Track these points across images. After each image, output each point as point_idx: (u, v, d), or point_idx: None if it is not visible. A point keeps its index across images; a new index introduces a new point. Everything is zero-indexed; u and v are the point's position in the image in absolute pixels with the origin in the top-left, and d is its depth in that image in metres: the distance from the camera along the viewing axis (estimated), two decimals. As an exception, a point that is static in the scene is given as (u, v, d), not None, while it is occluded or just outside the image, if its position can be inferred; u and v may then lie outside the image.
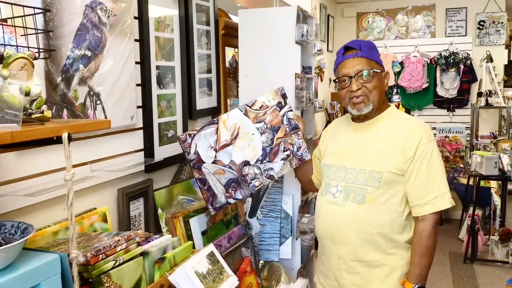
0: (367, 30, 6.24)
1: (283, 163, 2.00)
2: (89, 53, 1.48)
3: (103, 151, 1.62)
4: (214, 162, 1.87)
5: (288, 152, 2.00)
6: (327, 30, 5.70)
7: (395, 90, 6.02)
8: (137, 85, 1.81)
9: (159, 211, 1.95)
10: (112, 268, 1.22)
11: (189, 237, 1.94)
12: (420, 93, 5.88)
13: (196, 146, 1.83)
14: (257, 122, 1.94)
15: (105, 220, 1.58)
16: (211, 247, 1.53)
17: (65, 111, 1.40)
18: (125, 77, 1.69)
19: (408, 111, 5.95)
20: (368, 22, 6.24)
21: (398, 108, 6.13)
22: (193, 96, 2.22)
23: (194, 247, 1.93)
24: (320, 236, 1.91)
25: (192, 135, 1.83)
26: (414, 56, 5.79)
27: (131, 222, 1.81)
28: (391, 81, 5.92)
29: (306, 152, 2.04)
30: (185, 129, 2.14)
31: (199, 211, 2.00)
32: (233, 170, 1.90)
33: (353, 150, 1.83)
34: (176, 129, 2.09)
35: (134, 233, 1.34)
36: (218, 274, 1.48)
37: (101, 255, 1.20)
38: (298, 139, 2.01)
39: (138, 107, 1.82)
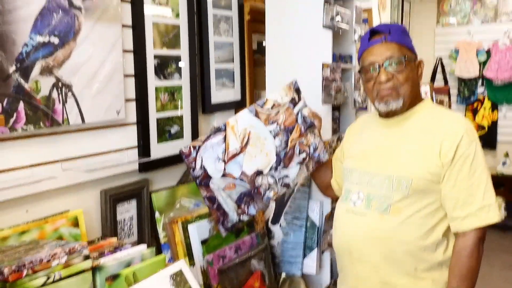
0: (450, 15, 5.57)
1: (299, 168, 1.75)
2: (56, 40, 1.33)
3: (79, 148, 1.47)
4: (224, 175, 1.63)
5: (304, 155, 1.75)
6: (401, 16, 5.18)
7: (480, 82, 5.33)
8: (129, 76, 1.65)
9: (157, 215, 1.77)
10: (43, 285, 1.06)
11: (188, 246, 1.75)
12: (510, 86, 5.14)
13: (202, 160, 1.60)
14: (269, 124, 1.69)
15: (76, 224, 1.43)
16: (180, 264, 1.32)
17: (21, 104, 1.26)
18: (109, 67, 1.52)
19: (495, 105, 5.27)
20: (451, 6, 5.57)
21: (483, 102, 5.44)
22: (206, 88, 2.02)
23: (193, 258, 1.74)
24: (337, 251, 1.65)
25: (197, 147, 1.60)
26: (504, 44, 5.06)
27: (120, 227, 1.66)
28: (475, 72, 5.24)
29: (324, 152, 1.78)
30: (194, 124, 1.95)
31: (202, 216, 1.80)
32: (245, 182, 1.67)
33: (379, 153, 1.55)
34: (182, 124, 1.90)
35: (80, 245, 1.16)
36: (184, 297, 1.27)
37: (25, 271, 1.04)
38: (314, 138, 1.75)
39: (129, 100, 1.65)
